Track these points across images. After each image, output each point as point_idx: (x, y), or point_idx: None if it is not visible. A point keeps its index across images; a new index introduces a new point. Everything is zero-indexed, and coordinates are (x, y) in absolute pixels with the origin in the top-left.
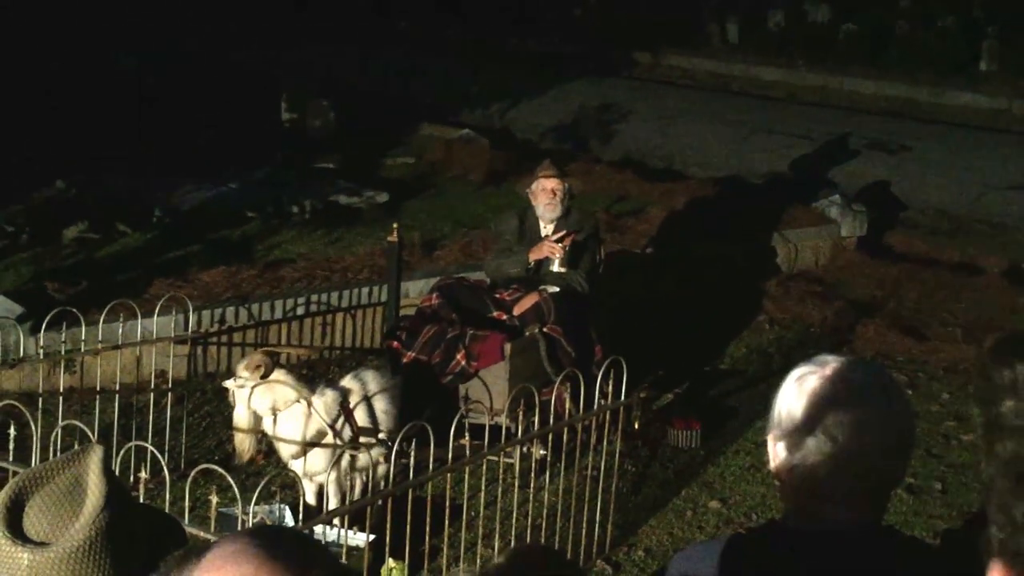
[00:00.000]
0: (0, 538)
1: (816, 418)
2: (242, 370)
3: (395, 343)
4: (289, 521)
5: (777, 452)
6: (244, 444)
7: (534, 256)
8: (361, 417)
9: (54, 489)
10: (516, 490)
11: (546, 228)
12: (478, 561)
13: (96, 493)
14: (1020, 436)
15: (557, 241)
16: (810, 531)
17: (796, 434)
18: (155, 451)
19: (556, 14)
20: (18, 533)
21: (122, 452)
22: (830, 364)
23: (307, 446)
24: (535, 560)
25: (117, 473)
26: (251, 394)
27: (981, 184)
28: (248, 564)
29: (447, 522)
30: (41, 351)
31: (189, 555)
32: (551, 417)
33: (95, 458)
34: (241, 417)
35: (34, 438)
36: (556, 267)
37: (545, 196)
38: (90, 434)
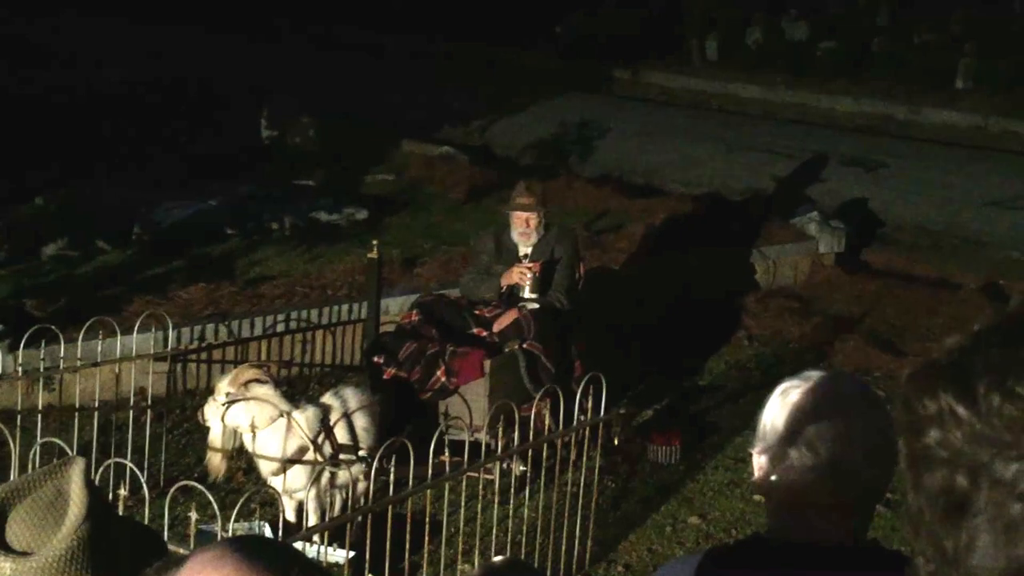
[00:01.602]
0: None
1: (798, 431)
2: (227, 384)
3: (375, 360)
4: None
5: (761, 465)
6: (216, 462)
7: (505, 281)
8: (341, 434)
9: (36, 500)
10: (496, 506)
11: (524, 248)
12: None
13: (78, 504)
14: (947, 467)
15: (527, 269)
16: (793, 545)
17: (779, 447)
18: (135, 468)
19: (535, 31)
20: (0, 543)
21: (101, 469)
22: (814, 378)
23: (287, 463)
24: (510, 574)
25: None
26: (226, 410)
27: (958, 201)
28: (228, 568)
29: (427, 539)
30: (20, 368)
31: (168, 564)
32: (531, 433)
33: (77, 470)
34: (216, 436)
35: (13, 456)
36: (527, 293)
37: (520, 225)
38: (69, 451)
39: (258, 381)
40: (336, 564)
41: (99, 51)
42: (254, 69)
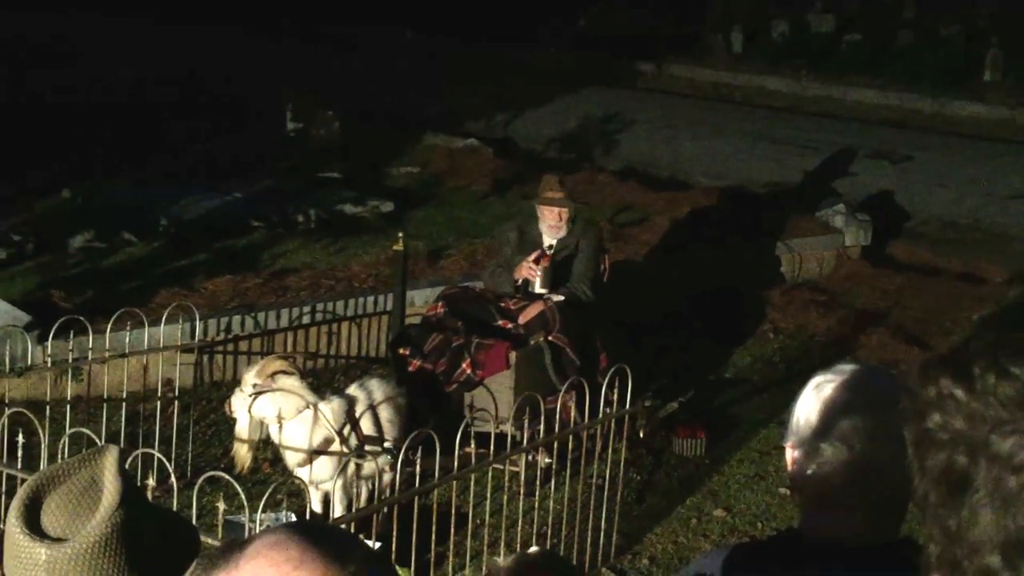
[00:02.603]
0: (19, 534)
1: (833, 426)
2: (254, 376)
3: (401, 351)
4: None
5: (794, 460)
6: (242, 453)
7: (517, 276)
8: (367, 425)
9: (71, 487)
10: (521, 498)
11: (549, 240)
12: (484, 570)
13: (112, 491)
14: (948, 449)
15: (536, 262)
16: (826, 541)
17: (813, 442)
18: (162, 458)
19: (560, 24)
20: (36, 529)
21: (129, 460)
22: (848, 372)
23: (313, 454)
24: (541, 566)
25: None
26: (253, 402)
27: (984, 194)
28: (293, 549)
29: (452, 530)
30: (48, 360)
31: (232, 546)
32: (556, 425)
33: (111, 458)
34: (243, 427)
35: (42, 446)
36: (538, 288)
37: (552, 218)
38: (97, 442)
39: (284, 372)
40: None
41: (120, 50)
42: (270, 67)
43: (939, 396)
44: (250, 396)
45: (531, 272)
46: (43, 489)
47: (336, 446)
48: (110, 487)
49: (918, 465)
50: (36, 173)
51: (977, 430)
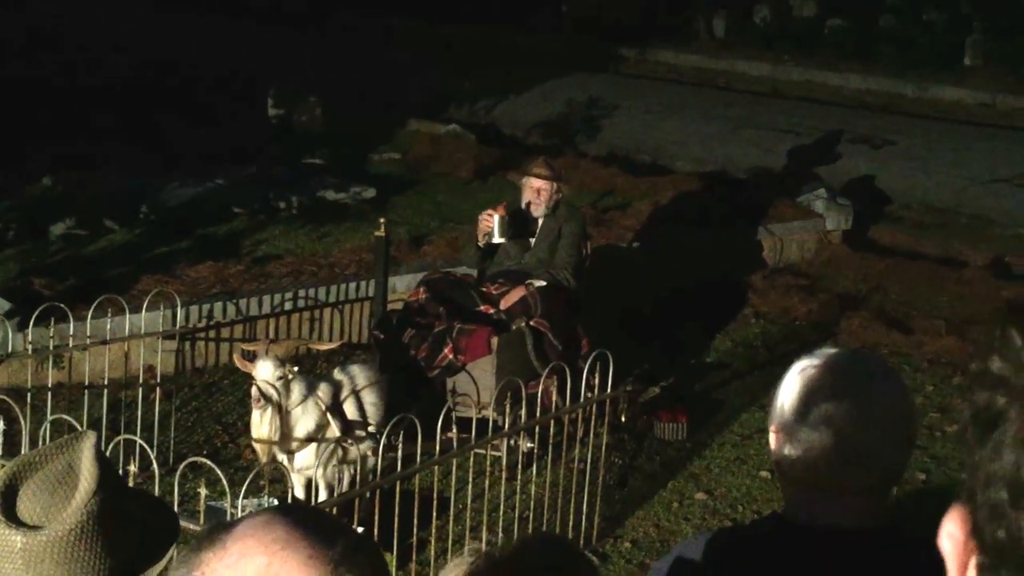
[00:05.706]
0: None
1: (817, 409)
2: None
3: (382, 337)
4: None
5: (778, 444)
6: (264, 448)
7: (478, 234)
8: (349, 411)
9: (47, 474)
10: (503, 483)
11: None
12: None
13: (88, 478)
14: (992, 388)
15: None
16: (811, 526)
17: (797, 426)
18: (144, 445)
19: (543, 9)
20: (12, 517)
21: (111, 447)
22: (833, 356)
23: (301, 442)
24: (545, 549)
25: None
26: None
27: (965, 178)
28: (280, 530)
29: (435, 515)
30: (29, 347)
31: (219, 528)
32: (538, 410)
33: (88, 444)
34: (270, 423)
35: (23, 433)
36: (496, 238)
37: (531, 194)
38: (79, 428)
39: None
40: None
41: (110, 36)
42: (256, 53)
43: (1004, 341)
44: (280, 381)
45: (487, 221)
46: (19, 476)
47: (332, 430)
48: (87, 474)
49: (968, 398)
50: (18, 159)
51: (1021, 378)
